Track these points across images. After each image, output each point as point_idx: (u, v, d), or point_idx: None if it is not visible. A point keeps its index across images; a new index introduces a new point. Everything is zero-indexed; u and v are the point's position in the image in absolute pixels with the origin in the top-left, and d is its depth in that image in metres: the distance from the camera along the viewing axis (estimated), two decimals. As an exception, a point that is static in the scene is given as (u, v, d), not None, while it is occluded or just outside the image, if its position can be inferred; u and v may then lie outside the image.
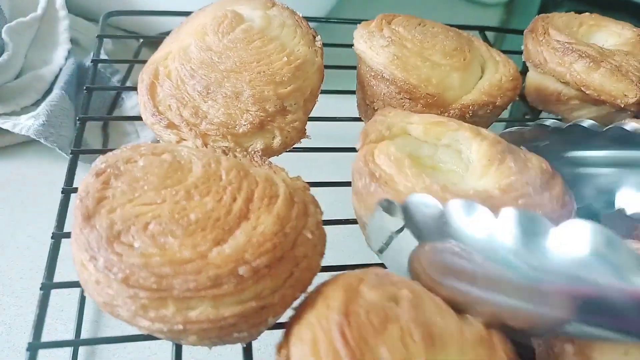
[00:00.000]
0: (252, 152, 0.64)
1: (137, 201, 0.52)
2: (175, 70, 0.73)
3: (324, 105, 0.90)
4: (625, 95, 0.83)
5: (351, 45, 0.85)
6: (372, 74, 0.79)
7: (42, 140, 0.97)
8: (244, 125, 0.69)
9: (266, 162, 0.63)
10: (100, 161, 0.56)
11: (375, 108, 0.81)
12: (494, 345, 0.50)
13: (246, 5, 0.80)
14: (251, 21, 0.77)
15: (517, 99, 0.99)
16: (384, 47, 0.78)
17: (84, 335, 0.80)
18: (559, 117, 0.96)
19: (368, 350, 0.44)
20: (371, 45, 0.79)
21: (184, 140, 0.70)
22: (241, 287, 0.48)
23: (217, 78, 0.70)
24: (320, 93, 0.87)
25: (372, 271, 0.53)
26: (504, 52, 1.06)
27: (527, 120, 1.00)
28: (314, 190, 0.72)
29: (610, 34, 0.95)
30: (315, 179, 0.77)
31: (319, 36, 0.79)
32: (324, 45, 0.98)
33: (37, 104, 1.07)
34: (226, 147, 0.65)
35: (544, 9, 1.67)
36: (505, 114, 1.20)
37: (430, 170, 0.67)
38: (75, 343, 0.80)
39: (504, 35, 1.55)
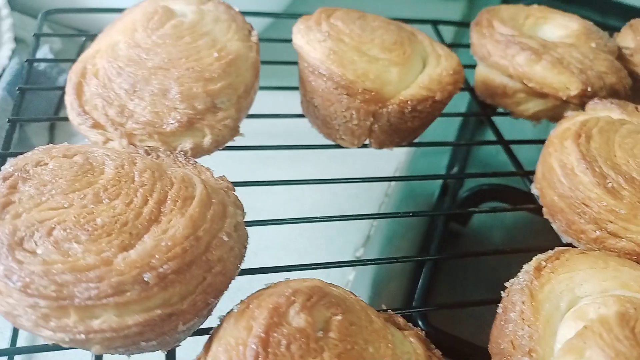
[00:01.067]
0: (177, 152, 0.62)
1: (44, 206, 0.50)
2: (103, 68, 0.70)
3: (269, 102, 0.88)
4: (568, 88, 0.82)
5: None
6: (310, 69, 0.77)
7: (-21, 142, 0.94)
8: (172, 123, 0.67)
9: (191, 162, 0.61)
10: (9, 164, 0.54)
11: (315, 104, 0.80)
12: None
13: (181, 0, 0.78)
14: (183, 16, 0.75)
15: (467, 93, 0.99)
16: (321, 41, 0.76)
17: (20, 343, 0.78)
18: (507, 111, 0.95)
19: None
20: (308, 40, 0.77)
21: (111, 140, 0.67)
22: (146, 294, 0.46)
23: (144, 75, 0.68)
24: (264, 89, 0.85)
25: (311, 286, 0.50)
26: (463, 47, 1.06)
27: (479, 115, 0.99)
28: (254, 190, 0.71)
29: (557, 26, 0.95)
30: (269, 177, 0.75)
31: (254, 31, 0.77)
32: (275, 41, 0.96)
33: (-22, 104, 1.04)
34: (150, 147, 0.63)
35: (506, 1, 1.67)
36: (461, 109, 1.20)
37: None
38: (11, 352, 0.78)
39: (465, 29, 1.53)
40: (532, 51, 0.83)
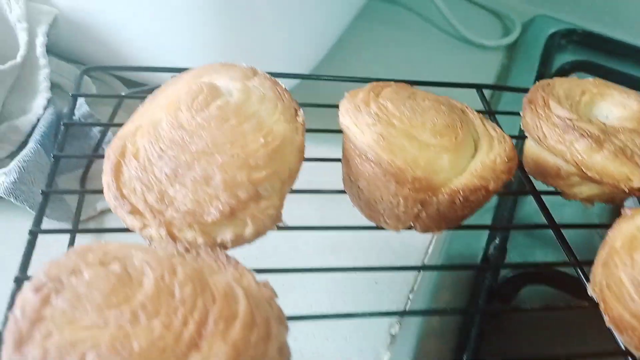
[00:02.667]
0: (218, 250, 0.59)
1: (77, 325, 0.47)
2: (144, 148, 0.67)
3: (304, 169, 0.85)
4: (630, 179, 0.77)
5: (336, 106, 0.80)
6: (357, 152, 0.73)
7: (12, 200, 0.92)
8: (213, 213, 0.63)
9: (232, 263, 0.57)
10: (42, 271, 0.51)
11: (360, 187, 0.76)
12: None
13: (225, 74, 0.75)
14: (228, 95, 0.72)
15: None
16: (370, 125, 0.72)
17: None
18: (558, 190, 0.90)
19: None
20: (357, 122, 0.74)
21: (148, 226, 0.64)
22: None
23: (187, 160, 0.65)
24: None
25: None
26: (502, 113, 1.01)
27: (528, 193, 0.94)
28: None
29: (614, 104, 0.90)
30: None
31: (301, 110, 0.74)
32: (307, 105, 0.93)
33: (11, 156, 1.02)
34: (189, 243, 0.60)
35: (547, 52, 1.62)
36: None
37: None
38: None
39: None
40: (593, 139, 0.78)
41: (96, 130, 1.07)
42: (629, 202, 0.92)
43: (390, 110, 0.75)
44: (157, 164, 0.66)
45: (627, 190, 0.77)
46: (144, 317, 0.47)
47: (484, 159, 0.75)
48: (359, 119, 0.74)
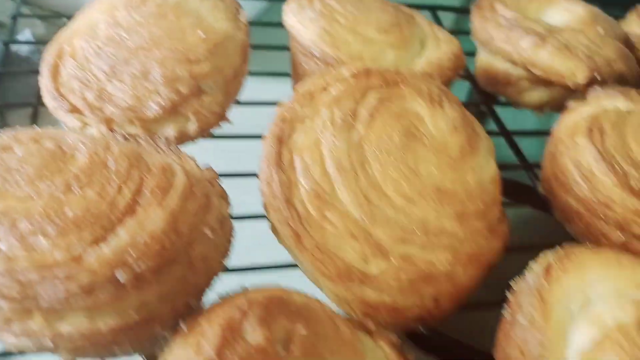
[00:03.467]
0: (158, 138, 0.57)
1: (9, 195, 0.45)
2: (81, 48, 0.65)
3: (260, 89, 0.83)
4: (575, 74, 0.78)
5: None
6: (302, 50, 0.72)
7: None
8: (154, 108, 0.62)
9: (173, 150, 0.56)
10: (-29, 151, 0.49)
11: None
12: None
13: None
14: (167, -7, 0.70)
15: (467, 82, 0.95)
16: (314, 20, 0.71)
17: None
18: (510, 100, 0.91)
19: None
20: (300, 19, 0.73)
21: (88, 126, 0.63)
22: (120, 296, 0.42)
23: (125, 56, 0.63)
24: (255, 75, 0.81)
25: (269, 296, 0.44)
26: (463, 34, 1.01)
27: (480, 104, 0.95)
28: (243, 182, 0.66)
29: (561, 10, 0.90)
30: (244, 169, 0.70)
31: (243, 10, 0.72)
32: (269, 25, 0.91)
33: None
34: (129, 133, 0.59)
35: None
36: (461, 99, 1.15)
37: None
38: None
39: (465, 16, 1.48)
40: (537, 35, 0.78)
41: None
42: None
43: (335, 7, 0.74)
44: (95, 61, 0.64)
45: (571, 86, 0.78)
46: (77, 187, 0.46)
47: (429, 57, 0.75)
48: (303, 16, 0.72)
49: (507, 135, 0.86)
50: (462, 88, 1.06)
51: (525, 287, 0.54)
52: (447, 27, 1.07)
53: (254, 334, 0.41)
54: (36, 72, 0.95)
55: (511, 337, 0.52)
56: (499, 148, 0.98)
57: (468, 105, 1.07)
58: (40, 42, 1.01)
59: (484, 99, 0.95)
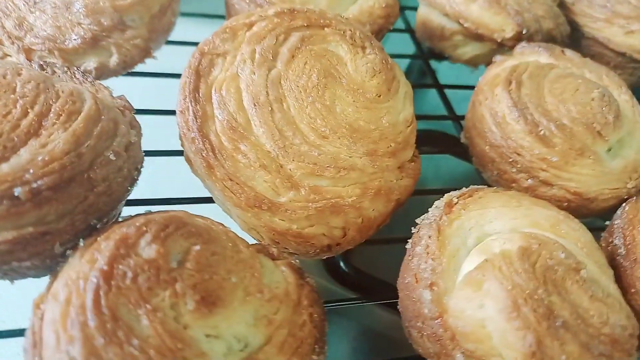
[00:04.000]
0: (75, 69, 0.57)
1: None
2: (0, -24, 0.64)
3: (193, 30, 0.83)
4: (503, 29, 0.80)
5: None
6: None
7: None
8: (74, 39, 0.61)
9: (89, 80, 0.56)
10: None
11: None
12: (298, 305, 0.47)
13: None
14: None
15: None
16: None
17: None
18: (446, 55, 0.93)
19: (126, 321, 0.39)
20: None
21: (8, 56, 0.62)
22: (17, 210, 0.42)
23: (46, -14, 0.62)
24: (187, 16, 0.80)
25: (169, 216, 0.46)
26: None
27: (416, 57, 0.96)
28: (165, 120, 0.66)
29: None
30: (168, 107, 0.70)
31: (173, -53, 0.72)
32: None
33: None
34: (46, 62, 0.58)
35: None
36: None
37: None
38: None
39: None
40: (470, -12, 0.80)
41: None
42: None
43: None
44: (15, -10, 0.63)
45: (499, 40, 0.81)
46: (-20, 107, 0.46)
47: (362, 4, 0.76)
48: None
49: (439, 87, 0.89)
50: (408, 46, 1.07)
51: (427, 221, 0.56)
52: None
53: (147, 249, 0.42)
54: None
55: (409, 266, 0.55)
56: (437, 108, 1.01)
57: (404, 57, 1.09)
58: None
59: (421, 52, 0.96)
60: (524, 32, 0.79)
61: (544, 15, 0.82)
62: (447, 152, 0.81)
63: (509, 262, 0.49)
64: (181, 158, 0.60)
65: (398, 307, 0.57)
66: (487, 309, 0.47)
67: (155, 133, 0.62)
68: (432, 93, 1.02)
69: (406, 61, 1.16)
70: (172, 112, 0.66)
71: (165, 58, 0.73)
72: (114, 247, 0.42)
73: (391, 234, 0.73)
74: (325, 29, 0.63)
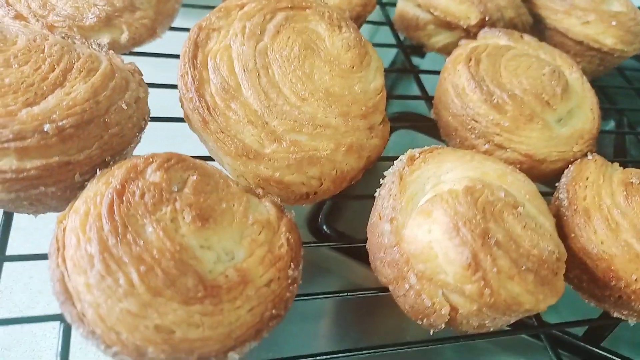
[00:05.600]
0: (92, 41, 0.67)
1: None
2: (27, -36, 0.74)
3: (194, 19, 0.93)
4: (468, 17, 0.90)
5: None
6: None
7: None
8: (91, 18, 0.71)
9: (103, 49, 0.66)
10: None
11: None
12: (278, 230, 0.56)
13: None
14: None
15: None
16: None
17: None
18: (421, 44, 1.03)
19: (134, 227, 0.48)
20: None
21: (33, 31, 0.72)
22: (45, 143, 0.52)
23: (67, -27, 0.72)
24: (190, 7, 0.91)
25: (172, 155, 0.55)
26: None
27: (394, 46, 1.06)
28: (168, 93, 0.76)
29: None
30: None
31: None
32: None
33: None
34: (67, 33, 0.68)
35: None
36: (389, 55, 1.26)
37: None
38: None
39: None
40: (438, -18, 0.90)
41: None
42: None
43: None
44: (40, -24, 0.73)
45: (465, 27, 0.91)
46: (15, 63, 0.56)
47: (342, -6, 0.86)
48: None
49: (415, 72, 0.98)
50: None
51: (392, 171, 0.66)
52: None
53: (153, 175, 0.52)
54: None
55: (375, 208, 0.64)
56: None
57: (383, 46, 1.18)
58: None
59: (399, 42, 1.06)
60: (487, 19, 0.89)
61: (505, 5, 0.92)
62: (418, 127, 0.91)
63: (455, 196, 0.58)
64: (178, 124, 0.70)
65: (366, 245, 0.66)
66: (434, 233, 0.56)
67: (157, 102, 0.72)
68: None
69: (392, 54, 1.27)
70: (172, 86, 0.77)
71: (168, 41, 0.83)
72: (125, 172, 0.51)
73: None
74: (307, 10, 0.73)
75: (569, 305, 0.73)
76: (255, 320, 0.51)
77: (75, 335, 0.54)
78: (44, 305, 0.83)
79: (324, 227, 0.91)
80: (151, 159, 0.53)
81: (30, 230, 0.80)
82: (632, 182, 0.70)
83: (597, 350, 0.82)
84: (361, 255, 0.85)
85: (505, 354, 0.85)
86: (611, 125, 1.21)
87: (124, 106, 0.58)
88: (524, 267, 0.55)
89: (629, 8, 1.02)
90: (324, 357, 0.59)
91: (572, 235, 0.68)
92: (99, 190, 0.51)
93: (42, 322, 0.55)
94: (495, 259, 0.54)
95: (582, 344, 0.82)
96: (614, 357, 0.81)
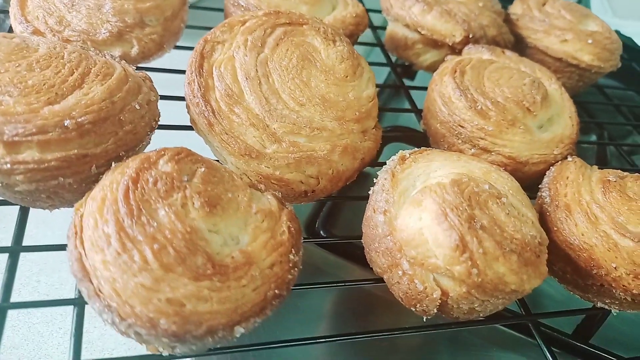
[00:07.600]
0: (105, 52, 0.73)
1: (-19, 71, 0.60)
2: (45, -15, 0.80)
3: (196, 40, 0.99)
4: (453, 35, 0.96)
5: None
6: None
7: None
8: (104, 33, 0.77)
9: (116, 60, 0.72)
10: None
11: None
12: (279, 219, 0.61)
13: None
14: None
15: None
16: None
17: None
18: (409, 63, 1.09)
19: (148, 211, 0.53)
20: (231, -22, 0.89)
21: (49, 46, 0.77)
22: (65, 137, 0.57)
23: (81, -7, 0.79)
24: (194, 29, 0.97)
25: (182, 149, 0.59)
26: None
27: (385, 65, 1.12)
28: (175, 105, 0.81)
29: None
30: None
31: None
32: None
33: None
34: (82, 47, 0.74)
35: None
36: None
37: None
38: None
39: None
40: (425, 3, 0.97)
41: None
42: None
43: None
44: (57, -5, 0.79)
45: (451, 44, 0.97)
46: (37, 68, 0.61)
47: (337, 15, 0.93)
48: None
49: (405, 88, 1.04)
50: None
51: (384, 169, 0.70)
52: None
53: (165, 166, 0.56)
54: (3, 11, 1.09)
55: (369, 203, 0.68)
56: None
57: (375, 65, 1.24)
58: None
59: (389, 61, 1.12)
60: (470, 37, 0.96)
61: (488, 24, 0.99)
62: (408, 139, 0.97)
63: (443, 187, 0.63)
64: (183, 133, 0.75)
65: (362, 239, 0.70)
66: (424, 220, 0.61)
67: (163, 114, 0.77)
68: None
69: (385, 73, 1.33)
70: (177, 98, 0.82)
71: (173, 58, 0.89)
72: (140, 163, 0.56)
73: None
74: (304, 25, 0.80)
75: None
76: (259, 298, 0.55)
77: (88, 319, 0.58)
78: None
79: (321, 232, 0.95)
80: (163, 152, 0.58)
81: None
82: (609, 180, 0.75)
83: (586, 347, 0.85)
84: (357, 257, 0.90)
85: (500, 352, 0.88)
86: (593, 139, 1.27)
87: (137, 107, 0.63)
88: (507, 249, 0.59)
89: (604, 28, 1.09)
90: (324, 340, 0.63)
91: (555, 228, 0.73)
92: (115, 179, 0.55)
93: (56, 307, 0.59)
94: (481, 241, 0.58)
95: (573, 341, 0.86)
96: (601, 353, 0.84)
